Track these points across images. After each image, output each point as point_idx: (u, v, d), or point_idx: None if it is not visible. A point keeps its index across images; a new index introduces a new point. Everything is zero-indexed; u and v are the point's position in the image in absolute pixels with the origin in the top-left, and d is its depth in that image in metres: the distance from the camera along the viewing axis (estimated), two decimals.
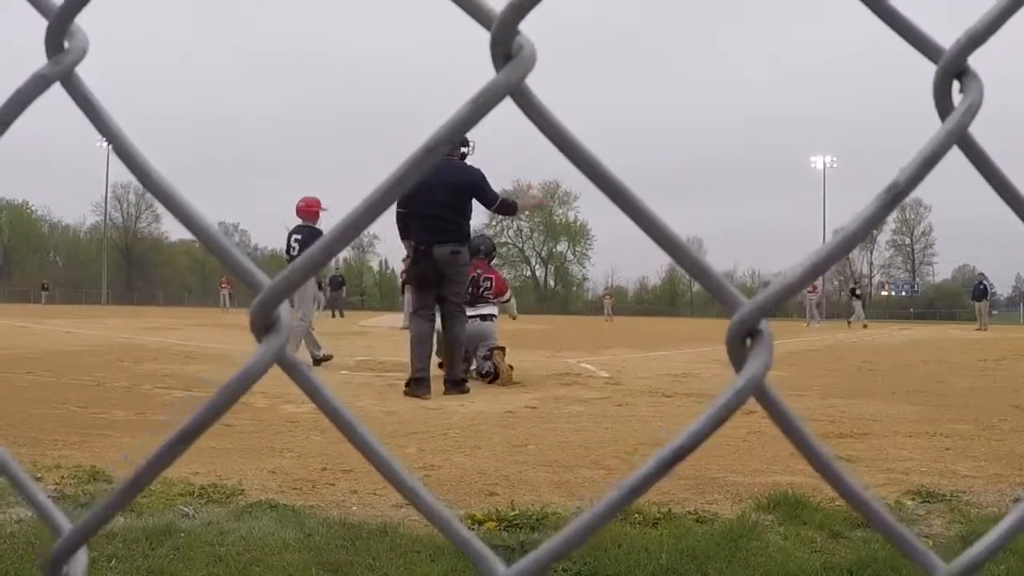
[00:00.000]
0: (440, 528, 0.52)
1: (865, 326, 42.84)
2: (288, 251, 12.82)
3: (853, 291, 50.20)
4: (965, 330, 37.60)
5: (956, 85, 0.46)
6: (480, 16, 0.47)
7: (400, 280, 33.17)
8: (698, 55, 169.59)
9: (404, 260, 9.75)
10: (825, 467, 0.48)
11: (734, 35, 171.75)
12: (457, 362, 9.44)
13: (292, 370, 0.50)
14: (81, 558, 0.56)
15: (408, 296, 32.95)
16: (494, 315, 10.92)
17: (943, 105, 0.46)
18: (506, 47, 0.46)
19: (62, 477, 4.54)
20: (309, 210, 12.99)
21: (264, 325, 0.48)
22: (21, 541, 3.36)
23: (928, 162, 0.45)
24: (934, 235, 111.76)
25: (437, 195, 8.94)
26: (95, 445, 5.50)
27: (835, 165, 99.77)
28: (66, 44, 0.51)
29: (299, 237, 12.71)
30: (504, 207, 9.96)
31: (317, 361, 12.33)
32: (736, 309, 0.45)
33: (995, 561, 3.52)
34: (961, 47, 0.45)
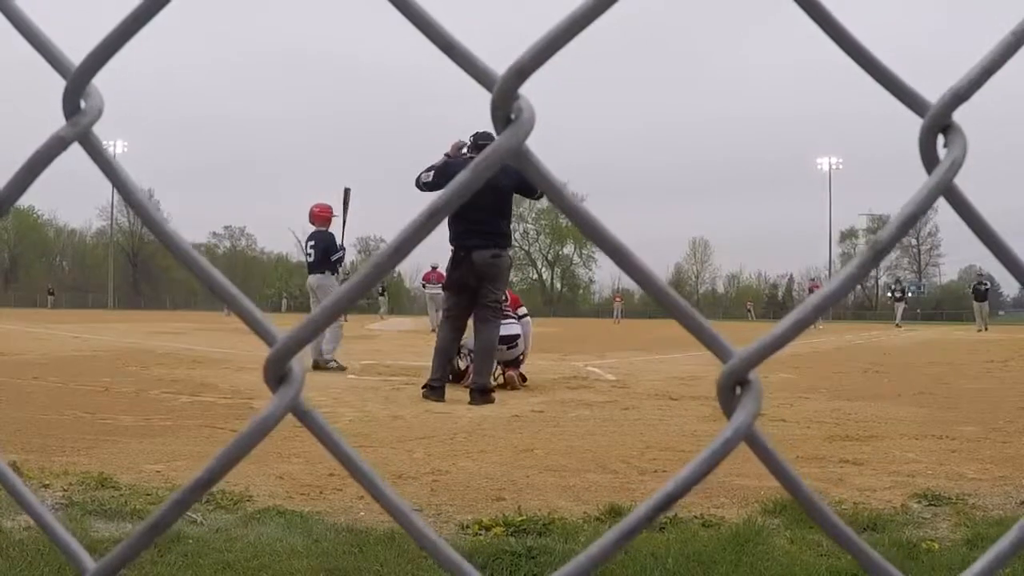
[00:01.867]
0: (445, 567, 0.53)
1: (898, 326, 43.07)
2: (307, 256, 13.27)
3: (896, 294, 50.68)
4: (970, 331, 37.45)
5: (941, 139, 0.48)
6: (482, 78, 0.48)
7: (422, 286, 33.22)
8: (700, 57, 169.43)
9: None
10: (819, 512, 0.49)
11: (737, 37, 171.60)
12: (486, 370, 9.11)
13: (306, 419, 0.51)
14: None
15: (429, 296, 33.35)
16: (518, 335, 10.78)
17: (928, 158, 0.47)
18: (506, 111, 0.47)
19: (70, 484, 4.55)
20: (322, 216, 13.31)
21: (278, 376, 0.49)
22: (30, 549, 3.37)
23: (910, 220, 0.46)
24: (940, 236, 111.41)
25: (478, 198, 8.74)
26: (103, 451, 5.51)
27: (841, 167, 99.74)
28: (83, 104, 0.53)
29: (313, 242, 13.13)
30: (541, 195, 9.79)
31: (319, 365, 12.41)
32: (727, 360, 0.46)
33: (986, 552, 3.53)
34: (946, 103, 0.46)
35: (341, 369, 12.29)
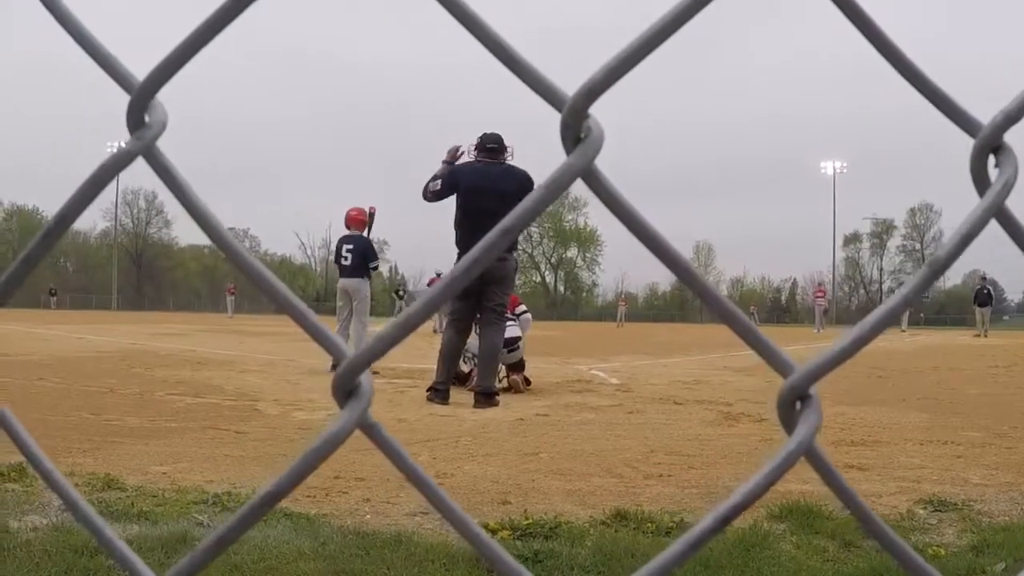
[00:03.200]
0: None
1: (903, 331, 42.89)
2: (339, 259, 13.20)
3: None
4: (976, 337, 37.29)
5: (992, 159, 0.48)
6: (552, 99, 0.49)
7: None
8: (702, 58, 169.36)
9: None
10: (875, 525, 0.49)
11: (740, 39, 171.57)
12: (491, 374, 9.07)
13: (372, 432, 0.51)
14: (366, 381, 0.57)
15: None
16: (519, 337, 10.74)
17: (980, 179, 0.47)
18: (576, 130, 0.48)
19: (76, 485, 4.55)
20: (359, 219, 13.40)
21: (347, 390, 0.50)
22: (37, 549, 3.38)
23: (966, 239, 0.46)
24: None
25: (487, 203, 8.79)
26: (109, 452, 5.52)
27: (845, 170, 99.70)
28: (147, 118, 0.53)
29: (351, 247, 13.13)
30: None
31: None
32: (788, 375, 0.46)
33: (992, 558, 3.54)
34: (997, 125, 0.47)
35: (376, 373, 12.29)
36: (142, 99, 0.52)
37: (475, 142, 9.33)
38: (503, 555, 0.52)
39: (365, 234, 13.32)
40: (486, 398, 8.74)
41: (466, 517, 0.53)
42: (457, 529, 0.53)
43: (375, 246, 13.54)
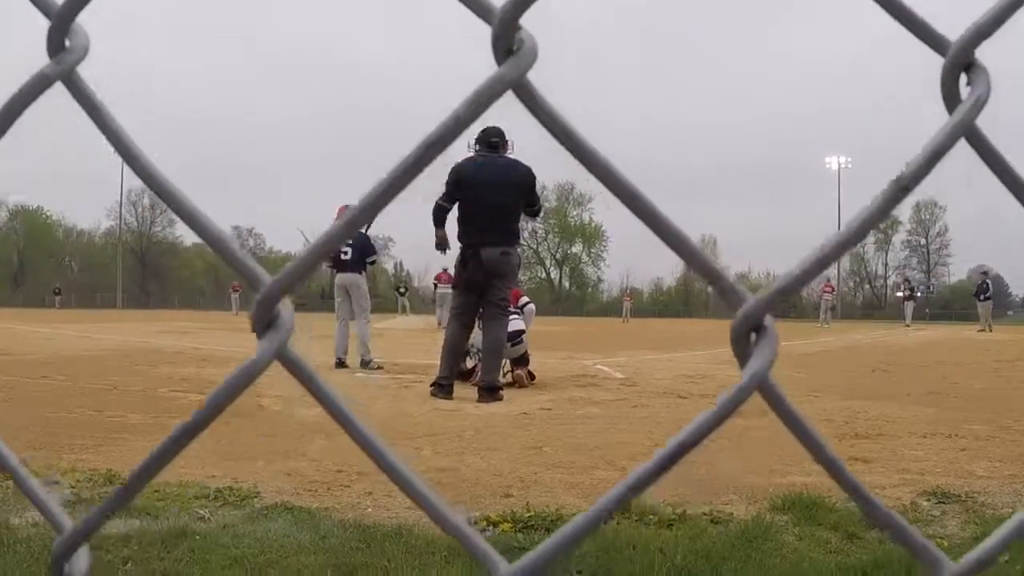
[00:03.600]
0: (443, 526, 0.52)
1: (908, 326, 42.66)
2: (337, 255, 13.13)
3: (905, 292, 49.81)
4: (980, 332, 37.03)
5: (964, 78, 0.46)
6: (482, 12, 0.47)
7: (434, 287, 33.61)
8: (707, 54, 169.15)
9: (438, 240, 9.48)
10: (831, 463, 0.48)
11: (744, 34, 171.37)
12: (495, 368, 9.06)
13: (294, 367, 0.50)
14: (82, 557, 0.56)
15: (439, 295, 34.08)
16: (523, 330, 10.71)
17: (950, 98, 0.46)
18: (507, 42, 0.46)
19: (78, 480, 4.56)
20: None
21: (265, 322, 0.48)
22: (36, 545, 3.38)
23: (934, 156, 0.45)
24: (950, 235, 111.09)
25: (489, 195, 8.83)
26: (111, 449, 5.52)
27: (850, 166, 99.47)
28: (67, 43, 0.51)
29: (350, 243, 13.06)
30: (537, 214, 9.69)
31: (366, 364, 12.52)
32: (740, 305, 0.45)
33: (1012, 560, 3.52)
34: (967, 40, 0.45)
35: (379, 368, 12.33)
36: (63, 21, 0.51)
37: (477, 136, 9.31)
38: (433, 497, 0.51)
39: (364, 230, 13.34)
40: (490, 393, 8.70)
41: (397, 462, 0.52)
42: (390, 476, 0.52)
43: (372, 242, 13.56)
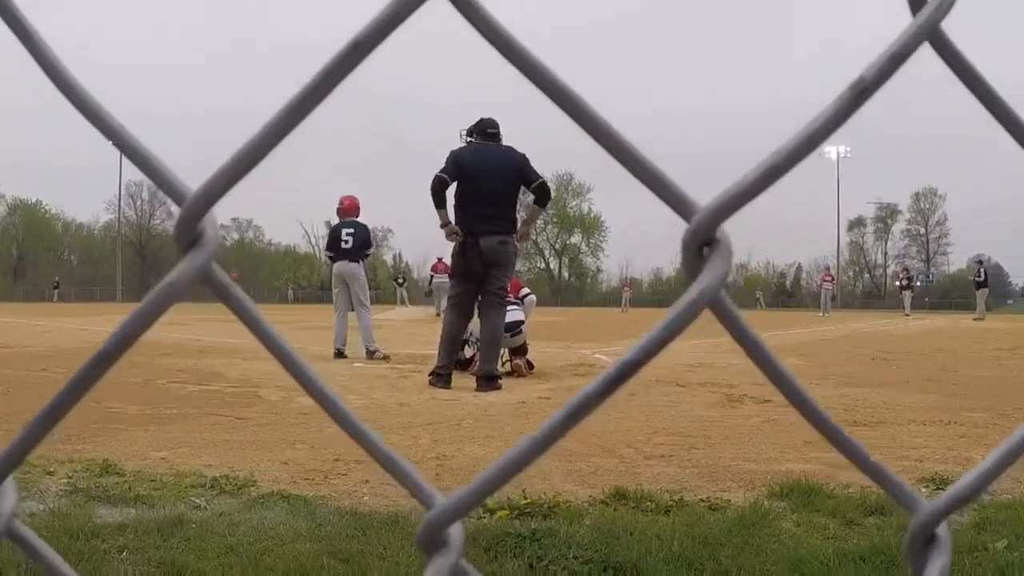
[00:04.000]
0: (378, 460, 0.51)
1: (907, 315, 42.45)
2: (337, 244, 13.19)
3: (903, 282, 49.20)
4: (979, 320, 36.92)
5: None
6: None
7: (430, 277, 33.64)
8: (712, 45, 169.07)
9: (444, 226, 9.29)
10: (786, 383, 0.46)
11: (748, 25, 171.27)
12: (493, 357, 9.05)
13: (220, 289, 0.48)
14: (8, 493, 0.54)
15: (435, 284, 34.17)
16: (522, 321, 10.70)
17: (915, 1, 0.44)
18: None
19: (75, 471, 4.55)
20: (354, 207, 13.49)
21: (189, 240, 0.46)
22: None
23: (896, 58, 0.43)
24: (949, 225, 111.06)
25: (487, 183, 8.86)
26: (109, 439, 5.51)
27: (849, 155, 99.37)
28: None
29: (351, 231, 13.16)
30: (543, 191, 9.35)
31: (371, 355, 12.54)
32: (691, 216, 0.43)
33: (994, 535, 3.52)
34: None
35: (385, 358, 12.35)
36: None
37: (472, 126, 9.34)
38: (365, 429, 0.50)
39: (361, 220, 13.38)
40: (488, 382, 8.72)
41: (337, 398, 0.50)
42: (314, 397, 0.50)
43: (371, 235, 13.60)
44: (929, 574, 0.49)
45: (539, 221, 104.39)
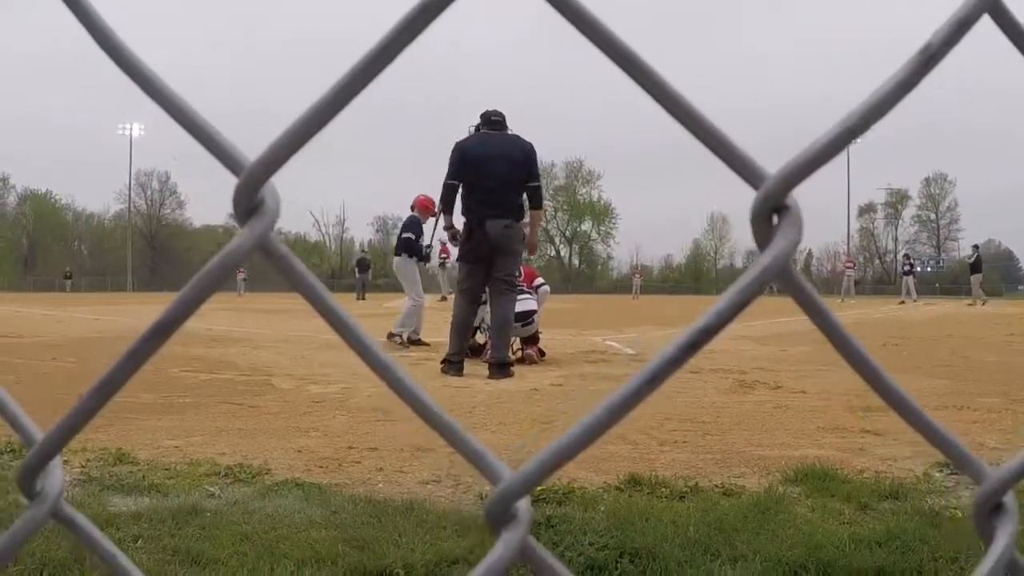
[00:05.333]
0: (447, 438, 0.50)
1: (902, 302, 42.12)
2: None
3: (904, 268, 48.87)
4: (989, 305, 36.63)
5: None
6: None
7: (440, 258, 33.51)
8: (717, 33, 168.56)
9: (447, 229, 9.50)
10: (854, 352, 0.46)
11: (754, 15, 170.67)
12: (504, 344, 9.06)
13: (278, 258, 0.47)
14: (56, 472, 0.53)
15: (441, 272, 34.14)
16: (534, 311, 10.69)
17: None
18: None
19: (88, 460, 4.57)
20: (420, 205, 13.77)
21: (247, 209, 0.45)
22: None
23: (961, 24, 0.42)
24: (959, 210, 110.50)
25: (492, 168, 8.86)
26: (121, 428, 5.51)
27: (859, 140, 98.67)
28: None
29: (401, 227, 13.86)
30: (537, 194, 9.37)
31: (414, 342, 12.80)
32: (760, 184, 0.42)
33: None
34: None
35: (403, 346, 12.53)
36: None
37: (479, 118, 9.35)
38: (437, 408, 0.49)
39: (434, 222, 13.47)
40: (500, 369, 8.73)
41: (390, 362, 0.49)
42: (381, 377, 0.49)
43: (414, 237, 13.61)
44: (998, 542, 0.49)
45: (550, 207, 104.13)
